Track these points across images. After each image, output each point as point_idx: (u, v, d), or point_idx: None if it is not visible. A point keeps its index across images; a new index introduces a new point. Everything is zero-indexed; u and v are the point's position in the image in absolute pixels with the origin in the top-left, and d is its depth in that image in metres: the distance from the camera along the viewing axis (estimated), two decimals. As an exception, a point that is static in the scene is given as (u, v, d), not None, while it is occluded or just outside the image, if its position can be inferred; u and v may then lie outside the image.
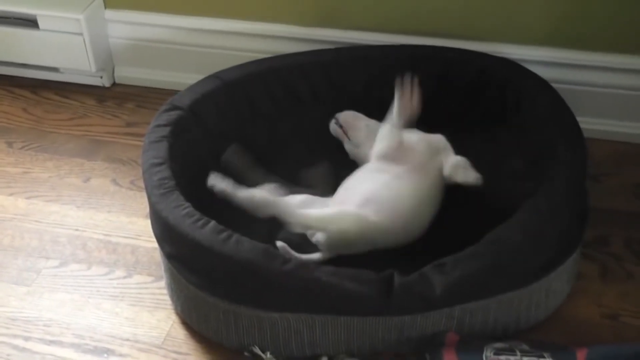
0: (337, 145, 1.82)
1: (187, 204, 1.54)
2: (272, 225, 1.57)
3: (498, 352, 1.42)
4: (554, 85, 1.79)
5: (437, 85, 1.86)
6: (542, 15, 1.93)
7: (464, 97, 1.87)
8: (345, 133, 1.79)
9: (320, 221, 1.54)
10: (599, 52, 1.93)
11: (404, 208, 1.57)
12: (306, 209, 1.54)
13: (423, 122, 1.70)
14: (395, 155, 1.64)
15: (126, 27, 2.18)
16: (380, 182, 1.60)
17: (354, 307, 1.45)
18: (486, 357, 1.41)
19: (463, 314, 1.47)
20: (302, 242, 1.57)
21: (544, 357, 1.42)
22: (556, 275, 1.54)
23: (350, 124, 1.79)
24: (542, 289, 1.53)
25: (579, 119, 1.70)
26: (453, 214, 1.64)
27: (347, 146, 1.80)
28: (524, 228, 1.48)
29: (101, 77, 2.23)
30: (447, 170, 1.62)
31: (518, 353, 1.42)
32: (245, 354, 1.51)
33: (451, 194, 1.65)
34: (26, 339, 1.60)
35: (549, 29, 1.94)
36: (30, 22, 2.16)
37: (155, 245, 1.63)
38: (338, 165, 1.77)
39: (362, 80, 1.90)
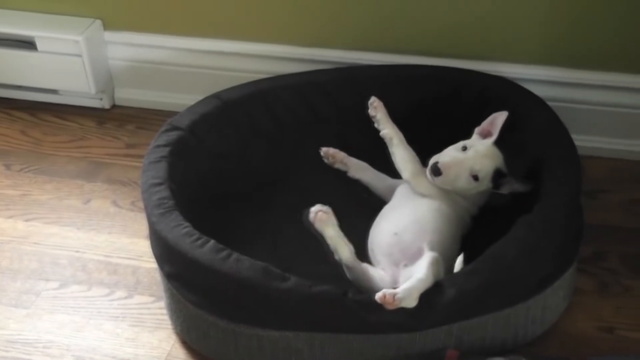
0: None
1: (187, 224, 1.54)
2: (272, 245, 1.57)
3: (499, 366, 1.43)
4: (551, 103, 1.81)
5: (435, 105, 1.87)
6: (539, 35, 1.95)
7: (463, 115, 1.88)
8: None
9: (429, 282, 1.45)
10: (594, 71, 1.95)
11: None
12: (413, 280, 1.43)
13: (422, 140, 1.71)
14: None
15: (126, 48, 2.19)
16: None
17: (352, 324, 1.45)
18: (487, 372, 1.42)
19: (461, 331, 1.48)
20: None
21: (543, 370, 1.43)
22: (552, 290, 1.55)
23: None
24: (539, 305, 1.54)
25: (575, 136, 1.71)
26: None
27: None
28: (519, 244, 1.50)
29: (101, 99, 2.23)
30: None
31: (518, 367, 1.43)
32: (246, 372, 1.52)
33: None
34: (26, 361, 1.61)
35: (546, 48, 1.96)
36: (28, 44, 2.16)
37: (156, 265, 1.64)
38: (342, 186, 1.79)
39: (362, 100, 1.89)
